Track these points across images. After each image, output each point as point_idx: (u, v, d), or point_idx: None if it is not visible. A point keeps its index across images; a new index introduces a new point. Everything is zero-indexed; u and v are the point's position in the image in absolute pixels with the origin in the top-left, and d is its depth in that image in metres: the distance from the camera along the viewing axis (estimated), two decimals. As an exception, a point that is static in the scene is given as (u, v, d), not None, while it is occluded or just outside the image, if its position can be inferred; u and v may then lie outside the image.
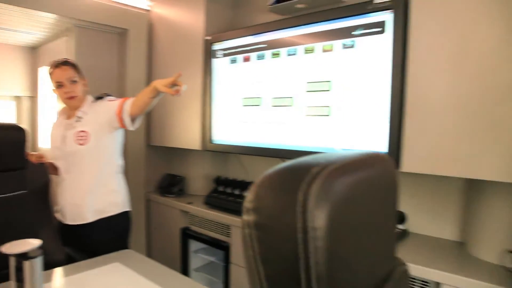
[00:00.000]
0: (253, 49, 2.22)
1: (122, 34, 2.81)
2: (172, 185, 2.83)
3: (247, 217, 0.39)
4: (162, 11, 2.81)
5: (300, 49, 2.00)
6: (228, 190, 2.46)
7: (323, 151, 1.63)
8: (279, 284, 0.37)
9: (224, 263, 2.34)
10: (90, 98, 1.96)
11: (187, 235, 2.62)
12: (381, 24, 1.69)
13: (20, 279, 1.05)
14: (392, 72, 1.67)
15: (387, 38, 1.68)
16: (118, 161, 1.98)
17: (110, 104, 1.89)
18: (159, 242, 2.91)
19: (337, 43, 1.85)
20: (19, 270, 1.03)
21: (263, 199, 0.37)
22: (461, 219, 1.85)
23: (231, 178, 2.54)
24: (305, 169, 0.36)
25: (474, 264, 1.60)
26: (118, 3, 2.68)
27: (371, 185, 0.45)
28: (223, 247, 2.34)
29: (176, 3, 2.69)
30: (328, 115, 1.90)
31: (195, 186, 2.88)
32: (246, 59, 2.25)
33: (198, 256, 2.65)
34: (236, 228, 2.24)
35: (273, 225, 0.36)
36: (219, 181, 2.54)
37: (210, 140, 2.48)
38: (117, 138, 1.96)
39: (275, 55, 2.11)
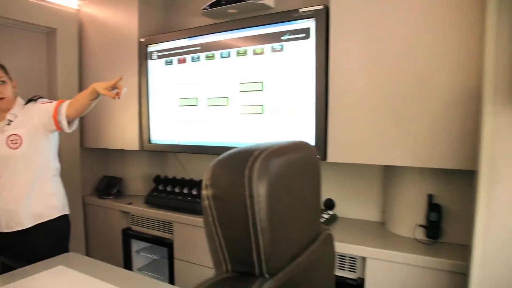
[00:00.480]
0: (188, 51, 2.30)
1: (50, 33, 2.72)
2: (110, 187, 2.81)
3: (206, 192, 0.50)
4: (92, 11, 2.77)
5: (233, 51, 2.13)
6: (169, 189, 2.51)
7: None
8: (233, 240, 0.49)
9: (168, 259, 2.40)
10: (20, 100, 1.91)
11: (128, 235, 2.63)
12: (306, 31, 1.88)
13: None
14: (316, 73, 1.87)
15: (311, 42, 1.87)
16: (54, 164, 1.95)
17: (44, 107, 1.86)
18: (99, 245, 2.87)
19: (267, 47, 2.01)
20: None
21: (218, 177, 0.49)
22: (381, 202, 2.11)
23: (170, 177, 2.60)
24: (249, 152, 0.49)
25: (393, 239, 1.87)
26: (44, 0, 2.58)
27: (298, 164, 0.59)
28: (166, 244, 2.40)
29: (107, 3, 2.67)
30: (261, 113, 2.06)
31: (134, 187, 2.89)
32: (182, 61, 2.33)
33: (141, 255, 2.67)
34: (178, 225, 2.31)
35: (227, 195, 0.48)
36: (159, 180, 2.59)
37: (149, 140, 2.52)
38: (52, 141, 1.93)
39: (209, 57, 2.22)
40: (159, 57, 2.42)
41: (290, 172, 0.56)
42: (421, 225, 1.83)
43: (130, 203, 2.60)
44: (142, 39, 2.48)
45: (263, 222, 0.47)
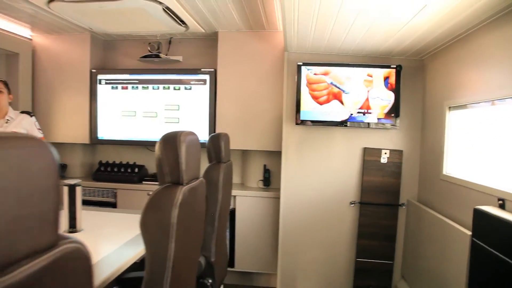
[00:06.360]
0: (129, 82, 3.70)
1: (11, 56, 3.60)
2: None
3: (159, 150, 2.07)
4: (45, 42, 3.76)
5: (161, 86, 3.64)
6: (109, 169, 3.81)
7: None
8: (171, 168, 2.04)
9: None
10: (11, 108, 2.81)
11: (77, 202, 3.81)
12: (205, 80, 3.55)
13: (73, 200, 2.29)
14: (209, 103, 3.55)
15: (207, 87, 3.55)
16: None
17: (36, 132, 2.87)
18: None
19: (182, 86, 3.60)
20: (72, 194, 2.29)
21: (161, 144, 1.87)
22: (241, 171, 3.91)
23: (110, 162, 3.90)
24: (176, 132, 1.69)
25: (248, 187, 3.69)
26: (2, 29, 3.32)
27: (195, 139, 1.97)
28: (111, 205, 3.70)
29: (60, 39, 3.75)
30: (178, 123, 3.63)
31: (74, 171, 4.03)
32: (124, 88, 3.71)
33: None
34: (121, 191, 3.67)
35: (166, 150, 1.79)
36: (101, 164, 3.87)
37: (96, 137, 3.80)
38: None
39: (145, 88, 3.67)
40: (107, 83, 3.73)
41: (193, 142, 1.64)
42: (260, 180, 3.68)
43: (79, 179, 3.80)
44: (94, 70, 3.73)
45: (183, 159, 1.52)
